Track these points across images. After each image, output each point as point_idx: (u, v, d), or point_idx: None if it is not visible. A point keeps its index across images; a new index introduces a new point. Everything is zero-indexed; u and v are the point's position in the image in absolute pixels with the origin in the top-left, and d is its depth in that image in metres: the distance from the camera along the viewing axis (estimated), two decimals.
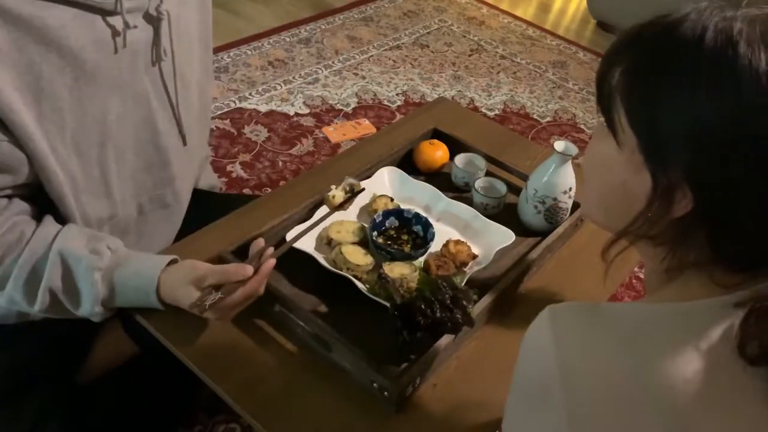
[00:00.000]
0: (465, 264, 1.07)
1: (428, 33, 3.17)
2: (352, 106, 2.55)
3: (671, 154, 0.54)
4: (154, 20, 0.93)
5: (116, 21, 0.88)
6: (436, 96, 2.66)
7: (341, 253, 1.03)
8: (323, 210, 1.10)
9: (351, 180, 1.10)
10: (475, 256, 1.09)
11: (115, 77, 0.91)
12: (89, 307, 0.91)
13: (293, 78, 2.66)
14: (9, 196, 0.90)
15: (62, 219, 0.95)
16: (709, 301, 0.55)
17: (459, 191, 1.27)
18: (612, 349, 0.53)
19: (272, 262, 0.92)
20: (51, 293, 0.90)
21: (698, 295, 0.56)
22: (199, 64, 1.08)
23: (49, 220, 0.93)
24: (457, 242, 1.09)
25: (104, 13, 0.86)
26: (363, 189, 1.11)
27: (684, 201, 0.55)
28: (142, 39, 0.92)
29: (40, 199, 0.92)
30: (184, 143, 1.09)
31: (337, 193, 1.08)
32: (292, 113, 2.45)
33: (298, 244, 1.03)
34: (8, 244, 0.88)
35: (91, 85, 0.88)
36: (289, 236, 1.04)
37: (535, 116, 2.66)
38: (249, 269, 0.89)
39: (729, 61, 0.51)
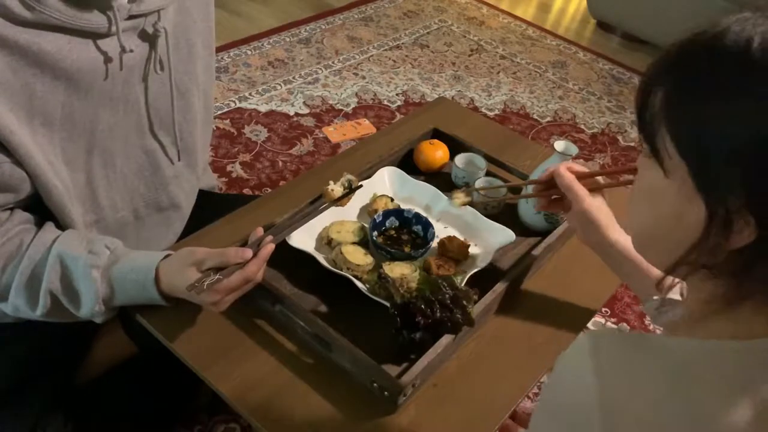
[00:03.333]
0: (465, 256, 1.08)
1: (428, 33, 3.17)
2: (352, 106, 2.55)
3: (726, 178, 0.49)
4: (150, 37, 0.93)
5: (112, 42, 0.87)
6: (436, 96, 2.66)
7: (341, 253, 1.03)
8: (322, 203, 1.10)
9: (349, 176, 1.11)
10: (468, 246, 1.10)
11: (109, 91, 0.91)
12: (90, 307, 0.91)
13: (293, 78, 2.66)
14: (10, 209, 0.90)
15: (62, 228, 0.95)
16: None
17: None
18: (660, 387, 0.49)
19: (271, 246, 0.92)
20: (52, 296, 0.90)
21: (759, 332, 0.51)
22: (203, 70, 1.08)
23: (48, 227, 0.93)
24: (451, 238, 1.10)
25: (99, 36, 0.86)
26: (361, 185, 1.11)
27: (746, 230, 0.50)
28: (138, 55, 0.92)
29: (41, 209, 0.92)
30: (179, 152, 1.08)
31: (336, 188, 1.08)
32: (292, 113, 2.45)
33: (298, 244, 1.04)
34: (9, 253, 0.88)
35: (84, 100, 0.88)
36: (290, 230, 1.04)
37: (535, 116, 2.66)
38: (248, 252, 0.89)
39: None
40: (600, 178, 0.96)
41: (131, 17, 0.88)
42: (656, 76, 0.55)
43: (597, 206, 0.92)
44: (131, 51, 0.89)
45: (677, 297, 0.85)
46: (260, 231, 0.95)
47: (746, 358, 0.50)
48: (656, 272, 0.85)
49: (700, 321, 0.58)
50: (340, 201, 1.08)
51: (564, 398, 0.53)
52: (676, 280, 0.59)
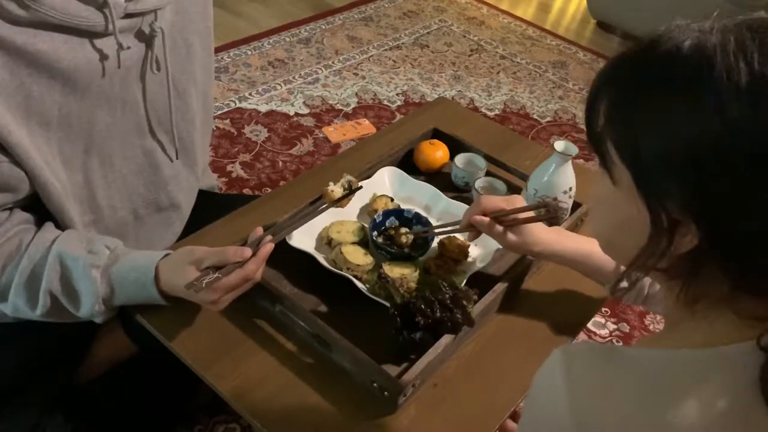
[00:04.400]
0: (465, 256, 1.08)
1: (428, 33, 3.17)
2: (352, 106, 2.55)
3: (663, 183, 0.51)
4: (146, 37, 0.93)
5: (109, 42, 0.87)
6: (436, 96, 2.66)
7: (341, 253, 1.03)
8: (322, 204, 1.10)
9: (349, 177, 1.11)
10: (468, 246, 1.10)
11: (106, 91, 0.91)
12: (90, 306, 0.91)
13: (293, 78, 2.66)
14: (9, 209, 0.91)
15: (62, 228, 0.95)
16: (736, 346, 0.51)
17: (459, 191, 1.27)
18: (631, 398, 0.50)
19: (270, 246, 0.92)
20: (51, 295, 0.90)
21: (725, 337, 0.52)
22: (202, 70, 1.08)
23: (48, 227, 0.93)
24: (451, 238, 1.10)
25: (95, 35, 0.86)
26: (361, 187, 1.11)
27: (688, 236, 0.51)
28: (135, 55, 0.92)
29: (40, 209, 0.92)
30: (177, 152, 1.09)
31: (336, 189, 1.08)
32: (292, 113, 2.45)
33: (298, 244, 1.04)
34: (8, 253, 0.88)
35: (81, 100, 0.88)
36: (289, 230, 1.04)
37: (535, 116, 2.66)
38: (247, 251, 0.89)
39: (707, 76, 0.48)
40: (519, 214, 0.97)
41: (128, 16, 0.88)
42: (599, 86, 0.56)
43: (523, 240, 0.96)
44: (128, 48, 0.89)
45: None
46: (260, 230, 0.95)
47: (714, 366, 0.50)
48: (607, 267, 0.92)
49: (672, 327, 0.58)
50: (339, 202, 1.08)
51: (540, 413, 0.54)
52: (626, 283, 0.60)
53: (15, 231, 0.89)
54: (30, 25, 0.79)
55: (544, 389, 0.54)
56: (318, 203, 1.08)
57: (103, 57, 0.87)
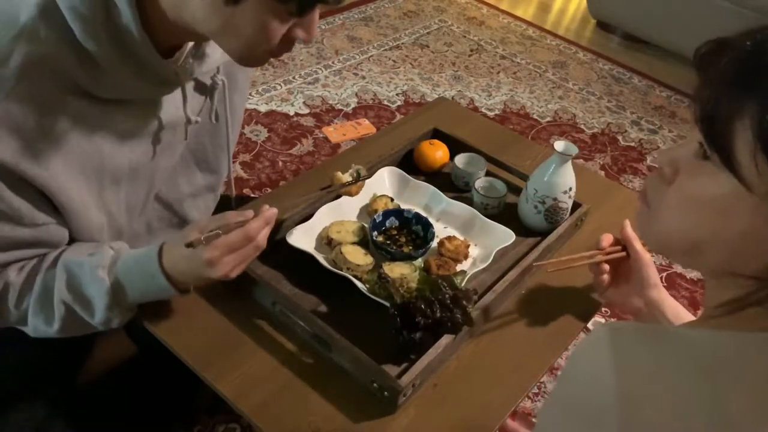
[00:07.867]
0: (465, 256, 1.08)
1: (428, 33, 3.17)
2: (352, 106, 2.55)
3: None
4: (207, 89, 0.97)
5: (177, 94, 0.92)
6: (436, 96, 2.66)
7: (341, 253, 1.03)
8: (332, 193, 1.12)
9: (358, 167, 1.12)
10: (468, 246, 1.10)
11: (170, 141, 0.96)
12: (103, 309, 0.89)
13: (293, 78, 2.66)
14: None
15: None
16: None
17: (459, 191, 1.27)
18: (683, 379, 0.46)
19: (274, 210, 0.88)
20: (65, 305, 0.89)
21: None
22: (239, 96, 1.13)
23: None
24: (451, 238, 1.10)
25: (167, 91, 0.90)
26: (369, 175, 1.11)
27: None
28: (196, 106, 0.97)
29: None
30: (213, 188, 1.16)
31: (345, 177, 1.09)
32: (292, 113, 2.45)
33: (297, 244, 1.04)
34: (25, 278, 0.90)
35: (148, 153, 0.93)
36: (290, 234, 1.05)
37: (535, 116, 2.66)
38: (249, 212, 0.87)
39: None
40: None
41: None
42: (742, 75, 0.48)
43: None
44: (196, 122, 0.95)
45: None
46: (266, 207, 0.91)
47: (765, 351, 0.47)
48: None
49: (725, 315, 0.54)
50: (348, 187, 1.08)
51: (580, 391, 0.50)
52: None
53: (33, 264, 0.91)
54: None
55: (588, 364, 0.50)
56: (327, 189, 1.09)
57: (172, 124, 0.93)
